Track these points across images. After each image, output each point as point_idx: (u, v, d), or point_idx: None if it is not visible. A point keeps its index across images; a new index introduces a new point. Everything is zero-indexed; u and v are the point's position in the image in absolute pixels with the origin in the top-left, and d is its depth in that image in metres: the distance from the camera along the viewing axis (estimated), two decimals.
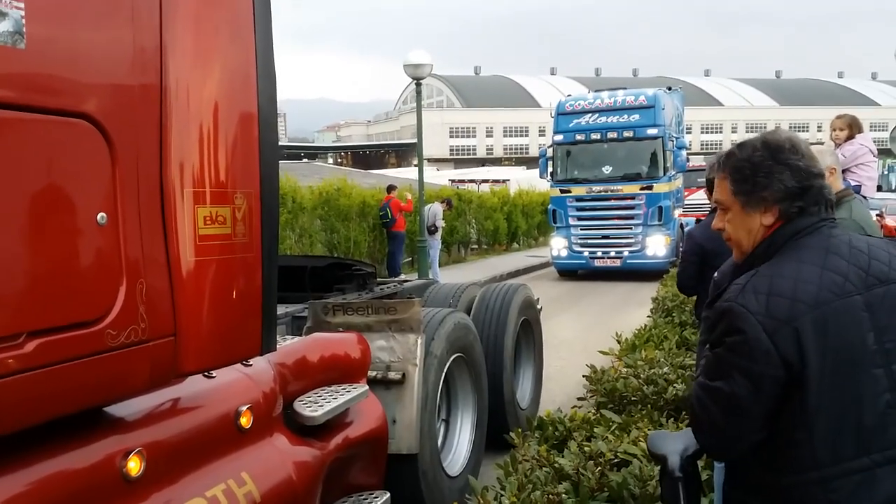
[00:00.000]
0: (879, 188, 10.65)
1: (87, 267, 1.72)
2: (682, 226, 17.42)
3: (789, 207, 1.68)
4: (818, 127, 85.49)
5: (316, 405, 2.86)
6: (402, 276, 11.65)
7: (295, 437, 2.71)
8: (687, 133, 20.03)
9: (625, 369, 3.84)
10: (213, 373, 2.42)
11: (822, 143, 4.00)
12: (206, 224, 2.04)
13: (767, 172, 1.70)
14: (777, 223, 1.70)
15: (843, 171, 4.38)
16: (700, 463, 1.90)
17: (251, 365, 2.61)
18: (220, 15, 2.11)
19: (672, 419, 3.15)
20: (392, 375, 3.65)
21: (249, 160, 2.20)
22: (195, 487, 2.15)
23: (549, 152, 16.95)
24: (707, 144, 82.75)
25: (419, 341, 3.72)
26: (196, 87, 2.04)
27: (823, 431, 1.54)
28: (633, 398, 3.49)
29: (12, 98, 1.55)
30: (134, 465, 1.95)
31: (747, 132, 79.83)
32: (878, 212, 17.93)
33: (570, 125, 16.56)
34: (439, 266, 16.18)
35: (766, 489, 1.64)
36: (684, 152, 16.81)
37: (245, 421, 2.43)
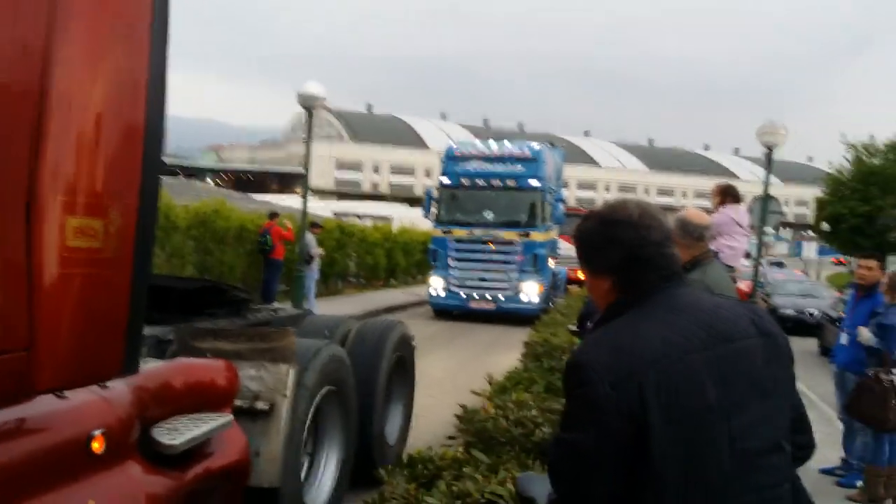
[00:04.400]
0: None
1: None
2: (554, 274, 18.11)
3: (621, 277, 1.74)
4: (683, 193, 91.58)
5: (175, 433, 2.72)
6: (276, 305, 11.36)
7: (150, 466, 2.56)
8: (564, 188, 21.02)
9: (494, 410, 3.89)
10: (66, 392, 2.27)
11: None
12: (76, 236, 1.93)
13: (598, 246, 1.78)
14: (615, 289, 1.76)
15: None
16: None
17: (108, 387, 2.46)
18: (115, 19, 2.03)
19: (539, 461, 3.22)
20: (259, 406, 3.53)
21: (130, 174, 2.10)
22: None
23: (435, 193, 17.31)
24: (582, 200, 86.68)
25: (291, 372, 3.63)
26: (81, 91, 1.94)
27: (671, 491, 1.54)
28: (501, 439, 3.55)
29: None
30: None
31: (619, 192, 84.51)
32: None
33: (458, 169, 17.04)
34: (315, 297, 15.93)
35: None
36: (562, 206, 17.65)
37: (97, 446, 2.27)
